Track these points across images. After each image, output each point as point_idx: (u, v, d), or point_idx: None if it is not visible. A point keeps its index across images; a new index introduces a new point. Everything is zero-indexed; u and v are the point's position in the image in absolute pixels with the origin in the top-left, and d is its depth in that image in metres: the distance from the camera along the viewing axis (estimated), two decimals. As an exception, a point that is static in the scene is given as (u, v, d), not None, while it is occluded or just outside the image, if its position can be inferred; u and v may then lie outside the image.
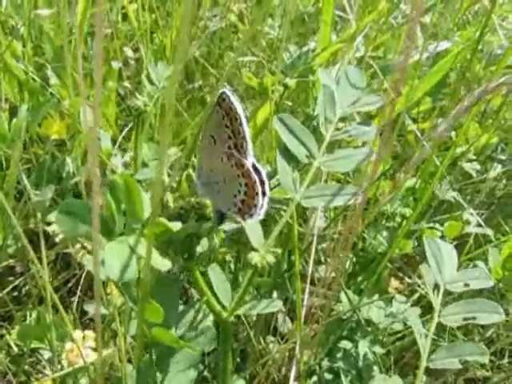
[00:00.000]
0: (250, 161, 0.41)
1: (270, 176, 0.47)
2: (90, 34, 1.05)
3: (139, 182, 0.56)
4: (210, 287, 0.44)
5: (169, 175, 0.50)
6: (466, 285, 0.47)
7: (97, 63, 0.24)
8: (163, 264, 0.34)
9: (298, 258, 0.54)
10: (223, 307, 0.43)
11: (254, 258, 0.40)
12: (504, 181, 0.96)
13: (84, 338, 0.51)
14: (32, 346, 0.64)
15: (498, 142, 0.98)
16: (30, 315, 0.80)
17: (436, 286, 0.49)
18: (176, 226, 0.36)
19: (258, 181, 0.40)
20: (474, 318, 0.44)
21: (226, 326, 0.43)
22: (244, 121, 0.39)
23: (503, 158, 1.01)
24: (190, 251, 0.38)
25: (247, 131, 0.40)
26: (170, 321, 0.37)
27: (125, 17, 1.16)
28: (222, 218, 0.42)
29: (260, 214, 0.41)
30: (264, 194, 0.41)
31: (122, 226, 0.36)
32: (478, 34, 0.86)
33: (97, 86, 0.23)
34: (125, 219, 0.34)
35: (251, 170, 0.40)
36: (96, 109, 0.27)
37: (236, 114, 0.39)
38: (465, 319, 0.44)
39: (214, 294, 0.44)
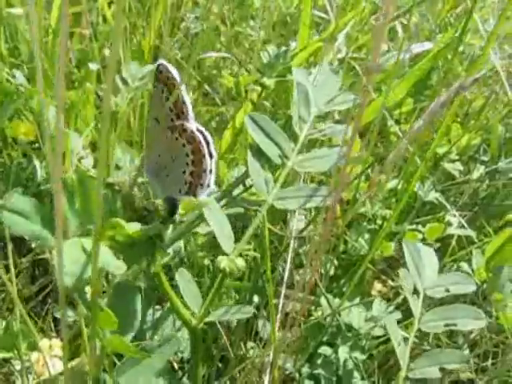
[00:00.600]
0: (192, 125, 0.39)
1: (243, 176, 0.45)
2: (68, 35, 1.03)
3: (111, 185, 0.54)
4: (179, 292, 0.42)
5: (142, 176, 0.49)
6: (447, 290, 0.45)
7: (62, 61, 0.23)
8: (116, 266, 0.32)
9: (270, 261, 0.53)
10: (193, 314, 0.41)
11: (223, 262, 0.38)
12: (487, 182, 0.96)
13: (50, 346, 0.48)
14: (1, 356, 0.62)
15: (480, 143, 0.98)
16: (1, 323, 0.77)
17: (416, 291, 0.47)
18: (133, 226, 0.34)
19: (202, 141, 0.39)
20: (455, 325, 0.43)
21: (195, 333, 0.41)
22: (182, 86, 0.38)
23: (485, 159, 1.01)
24: (153, 255, 0.36)
25: (186, 96, 0.38)
26: (129, 329, 0.35)
27: (104, 17, 1.14)
28: (174, 206, 0.40)
29: (211, 180, 0.40)
30: (211, 155, 0.39)
31: (76, 226, 0.34)
32: (458, 34, 0.86)
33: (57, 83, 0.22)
34: (80, 219, 0.32)
35: (194, 130, 0.39)
36: (59, 112, 0.25)
37: (174, 80, 0.38)
38: (446, 325, 0.43)
39: (183, 300, 0.42)
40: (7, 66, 0.88)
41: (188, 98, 0.39)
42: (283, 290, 0.51)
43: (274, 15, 1.03)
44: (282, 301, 0.51)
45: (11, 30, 0.97)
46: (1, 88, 0.77)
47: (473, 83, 0.41)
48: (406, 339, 0.44)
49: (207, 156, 0.39)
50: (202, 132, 0.39)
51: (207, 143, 0.39)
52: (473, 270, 0.56)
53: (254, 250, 0.42)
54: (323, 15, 0.95)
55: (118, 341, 0.31)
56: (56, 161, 0.27)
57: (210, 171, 0.40)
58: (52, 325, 0.84)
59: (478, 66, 0.50)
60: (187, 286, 0.41)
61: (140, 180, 0.43)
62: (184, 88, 0.38)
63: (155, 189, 0.42)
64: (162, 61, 0.38)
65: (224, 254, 0.40)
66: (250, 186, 0.46)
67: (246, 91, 0.62)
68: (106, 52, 1.06)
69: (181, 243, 0.39)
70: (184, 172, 0.40)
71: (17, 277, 0.92)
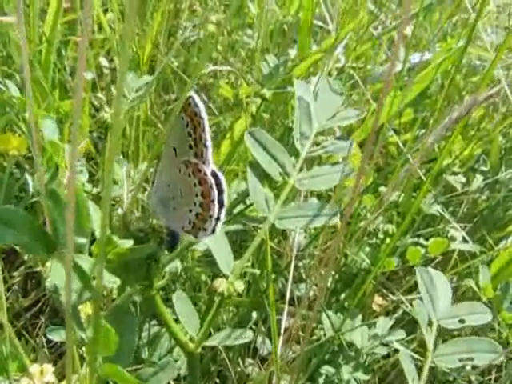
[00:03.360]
0: (208, 168, 0.38)
1: (243, 195, 0.44)
2: (62, 43, 1.02)
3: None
4: (175, 315, 0.40)
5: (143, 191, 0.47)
6: (461, 321, 0.43)
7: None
8: (111, 281, 0.30)
9: (275, 278, 0.51)
10: (190, 338, 0.40)
11: (221, 285, 0.36)
12: (487, 192, 0.95)
13: (42, 372, 0.46)
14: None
15: (480, 154, 0.97)
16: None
17: (429, 322, 0.45)
18: (128, 244, 0.32)
19: (214, 186, 0.37)
20: (470, 359, 0.41)
21: (192, 358, 0.40)
22: (207, 126, 0.37)
23: (485, 169, 1.00)
24: (149, 277, 0.35)
25: (209, 138, 0.37)
26: (125, 356, 0.33)
27: (100, 26, 1.12)
28: (175, 239, 0.39)
29: (215, 228, 0.38)
30: (221, 204, 0.38)
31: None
32: (461, 44, 0.85)
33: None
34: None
35: (208, 173, 0.37)
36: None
37: (200, 118, 0.36)
38: (460, 360, 0.41)
39: (180, 323, 0.40)
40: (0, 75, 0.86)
41: (210, 142, 0.37)
42: (286, 307, 0.50)
43: (271, 24, 1.02)
44: (285, 318, 0.49)
45: (4, 39, 0.95)
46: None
47: (487, 99, 0.40)
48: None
49: (216, 203, 0.37)
50: (217, 177, 0.37)
51: (220, 191, 0.37)
52: (479, 287, 0.55)
53: (253, 265, 0.41)
54: (321, 24, 0.94)
55: (114, 370, 0.29)
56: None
57: (217, 219, 0.38)
58: (43, 340, 0.82)
59: (487, 80, 0.49)
60: (184, 309, 0.40)
61: (139, 196, 0.41)
62: (208, 130, 0.37)
63: (157, 216, 0.40)
64: (193, 94, 0.37)
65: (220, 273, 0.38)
66: (251, 204, 0.45)
67: (247, 103, 0.61)
68: (102, 61, 1.05)
69: (177, 264, 0.38)
70: (190, 211, 0.38)
71: (8, 290, 0.90)
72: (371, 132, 0.26)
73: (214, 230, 0.38)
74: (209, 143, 0.37)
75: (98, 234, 0.32)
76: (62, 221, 0.29)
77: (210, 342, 0.38)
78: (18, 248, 0.87)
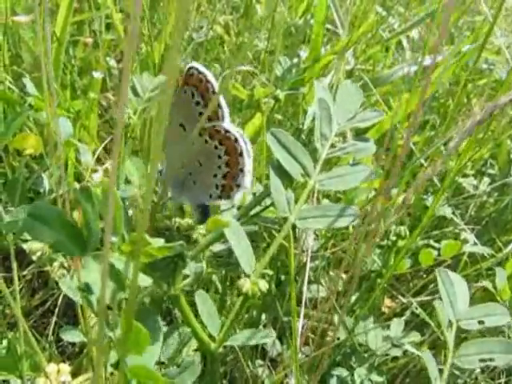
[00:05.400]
0: (227, 125, 0.37)
1: (263, 195, 0.44)
2: (71, 43, 1.02)
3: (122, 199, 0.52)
4: (196, 314, 0.40)
5: (155, 192, 0.47)
6: (480, 322, 0.44)
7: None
8: (143, 280, 0.30)
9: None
10: (210, 337, 0.40)
11: (245, 285, 0.36)
12: (495, 194, 0.95)
13: (58, 371, 0.46)
14: (2, 377, 0.60)
15: (488, 157, 0.97)
16: (1, 340, 0.75)
17: (449, 323, 0.45)
18: (158, 242, 0.32)
19: (240, 138, 0.37)
20: (491, 360, 0.41)
21: (213, 357, 0.40)
22: (217, 88, 0.36)
23: (493, 171, 1.00)
24: (175, 276, 0.35)
25: (222, 98, 0.37)
26: (153, 356, 0.33)
27: (108, 26, 1.13)
28: (206, 211, 0.38)
29: (247, 181, 0.38)
30: (248, 154, 0.37)
31: (98, 239, 0.32)
32: (470, 47, 0.85)
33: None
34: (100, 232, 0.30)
35: (230, 129, 0.37)
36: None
37: (207, 82, 0.36)
38: (481, 360, 0.41)
39: (201, 322, 0.40)
40: (10, 75, 0.86)
41: (224, 100, 0.37)
42: (302, 310, 0.50)
43: (280, 26, 1.02)
44: (301, 321, 0.49)
45: (14, 38, 0.95)
46: (4, 97, 0.76)
47: (508, 103, 0.40)
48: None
49: (245, 154, 0.37)
50: (238, 131, 0.37)
51: (245, 142, 0.37)
52: (496, 289, 0.55)
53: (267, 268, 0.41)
54: (329, 27, 0.94)
55: (143, 370, 0.29)
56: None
57: (248, 171, 0.37)
58: (52, 338, 0.82)
59: (508, 85, 0.50)
60: (206, 309, 0.40)
61: (155, 197, 0.41)
62: (219, 88, 0.36)
63: (182, 199, 0.40)
64: (193, 63, 0.36)
65: (236, 269, 0.38)
66: (270, 205, 0.45)
67: (259, 103, 0.61)
68: (110, 61, 1.05)
69: (203, 264, 0.38)
70: (215, 175, 0.38)
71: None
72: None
73: (246, 185, 0.38)
74: (223, 102, 0.36)
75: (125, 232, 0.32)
76: (94, 219, 0.29)
77: (232, 342, 0.38)
78: (24, 247, 0.87)
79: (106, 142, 0.89)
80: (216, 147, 0.37)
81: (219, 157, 0.37)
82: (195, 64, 0.36)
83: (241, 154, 0.37)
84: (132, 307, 0.25)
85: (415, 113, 0.27)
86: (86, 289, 0.28)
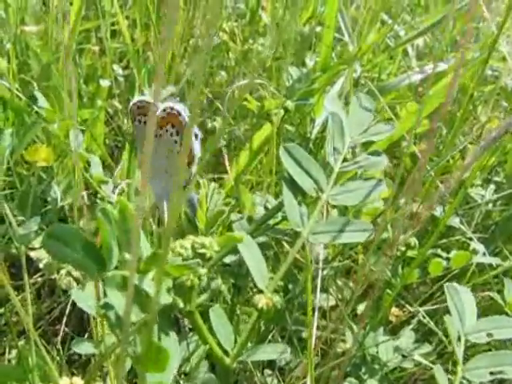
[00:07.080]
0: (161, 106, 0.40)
1: (275, 209, 0.44)
2: (78, 51, 1.02)
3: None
4: (210, 328, 0.40)
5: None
6: (489, 335, 0.44)
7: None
8: (164, 299, 0.31)
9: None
10: (225, 352, 0.40)
11: (261, 300, 0.37)
12: (502, 203, 0.95)
13: (71, 384, 0.46)
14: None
15: (494, 164, 0.97)
16: (10, 349, 0.75)
17: (458, 337, 0.45)
18: (178, 261, 0.32)
19: (182, 111, 0.39)
20: (501, 373, 0.41)
21: (227, 372, 0.40)
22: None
23: (499, 179, 1.00)
24: (191, 293, 0.35)
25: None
26: (170, 372, 0.33)
27: (113, 34, 1.13)
28: (193, 202, 0.40)
29: (197, 148, 0.40)
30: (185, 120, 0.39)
31: (117, 258, 0.33)
32: (478, 56, 0.86)
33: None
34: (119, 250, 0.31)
35: (172, 105, 0.38)
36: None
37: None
38: (491, 373, 0.41)
39: (215, 337, 0.40)
40: (17, 83, 0.86)
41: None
42: (315, 321, 0.50)
43: (285, 33, 1.03)
44: (314, 331, 0.49)
45: (21, 46, 0.96)
46: (13, 106, 0.76)
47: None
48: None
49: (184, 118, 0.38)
50: (179, 105, 0.39)
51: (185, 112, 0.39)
52: (505, 301, 0.55)
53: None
54: (338, 35, 0.95)
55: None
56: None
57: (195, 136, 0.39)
58: (59, 346, 0.82)
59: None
60: (220, 324, 0.40)
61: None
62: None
63: (163, 199, 0.41)
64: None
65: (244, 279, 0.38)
66: (283, 219, 0.45)
67: (270, 114, 0.61)
68: (116, 68, 1.05)
69: (219, 281, 0.38)
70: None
71: (25, 299, 0.90)
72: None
73: (197, 152, 0.39)
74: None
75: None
76: (112, 238, 0.29)
77: (247, 358, 0.39)
78: (32, 255, 0.87)
79: (114, 149, 0.89)
80: (172, 134, 0.39)
81: (175, 142, 0.39)
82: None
83: (185, 125, 0.39)
84: (152, 326, 0.25)
85: (432, 131, 0.27)
86: (105, 307, 0.28)
